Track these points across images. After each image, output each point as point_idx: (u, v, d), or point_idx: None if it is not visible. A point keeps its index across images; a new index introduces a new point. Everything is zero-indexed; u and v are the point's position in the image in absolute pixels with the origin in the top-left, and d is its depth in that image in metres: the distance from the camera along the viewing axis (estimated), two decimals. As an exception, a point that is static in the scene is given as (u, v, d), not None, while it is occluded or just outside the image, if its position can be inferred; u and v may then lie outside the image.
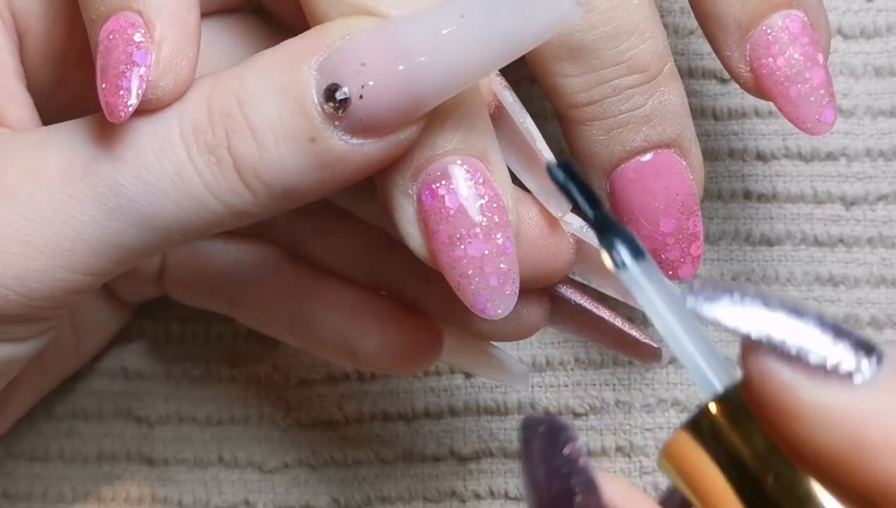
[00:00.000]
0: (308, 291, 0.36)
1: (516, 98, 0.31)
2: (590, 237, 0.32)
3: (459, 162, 0.29)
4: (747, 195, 0.39)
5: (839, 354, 0.23)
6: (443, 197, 0.29)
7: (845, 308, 0.39)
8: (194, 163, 0.28)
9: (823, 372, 0.23)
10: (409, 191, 0.29)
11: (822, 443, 0.23)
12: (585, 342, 0.38)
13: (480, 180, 0.29)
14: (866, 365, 0.23)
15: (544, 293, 0.33)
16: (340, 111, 0.28)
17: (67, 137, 0.30)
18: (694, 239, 0.33)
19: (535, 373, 0.40)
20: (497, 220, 0.29)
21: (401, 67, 0.27)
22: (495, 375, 0.37)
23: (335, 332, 0.36)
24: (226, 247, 0.37)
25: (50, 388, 0.39)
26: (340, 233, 0.36)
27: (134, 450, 0.41)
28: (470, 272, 0.29)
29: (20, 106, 0.32)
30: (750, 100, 0.39)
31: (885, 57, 0.39)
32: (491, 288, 0.29)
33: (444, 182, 0.29)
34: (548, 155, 0.31)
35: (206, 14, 0.34)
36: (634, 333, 0.34)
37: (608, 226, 0.25)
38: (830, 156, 0.39)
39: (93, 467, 0.41)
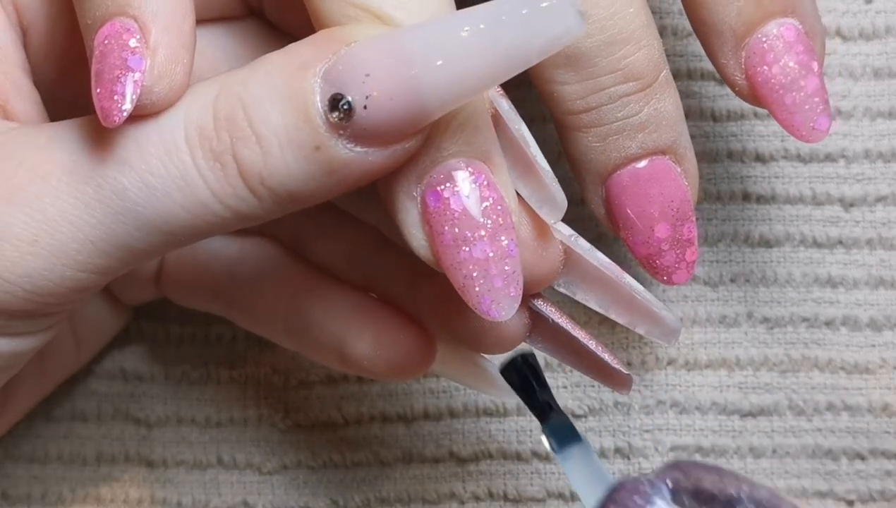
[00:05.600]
0: (306, 291, 0.36)
1: (511, 105, 0.31)
2: (579, 246, 0.32)
3: (464, 164, 0.29)
4: (746, 196, 0.39)
5: None
6: (447, 199, 0.29)
7: (844, 309, 0.39)
8: (199, 169, 0.28)
9: None
10: (414, 194, 0.29)
11: None
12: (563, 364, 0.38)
13: (485, 183, 0.29)
14: None
15: (525, 307, 0.33)
16: (344, 120, 0.27)
17: (75, 138, 0.30)
18: (689, 244, 0.34)
19: (534, 375, 0.40)
20: (501, 222, 0.29)
21: (405, 78, 0.27)
22: (483, 387, 0.37)
23: (330, 334, 0.35)
24: (227, 244, 0.37)
25: (48, 391, 0.39)
26: (339, 233, 0.36)
27: (133, 452, 0.41)
28: (475, 274, 0.29)
29: (27, 100, 0.32)
30: (749, 102, 0.39)
31: (884, 58, 0.39)
32: (496, 289, 0.29)
33: (448, 184, 0.29)
34: (542, 162, 0.31)
35: (207, 20, 0.34)
36: (607, 358, 0.33)
37: (550, 415, 0.29)
38: (829, 158, 0.39)
39: (92, 469, 0.41)
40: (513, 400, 0.37)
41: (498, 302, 0.29)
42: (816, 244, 0.39)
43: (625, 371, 0.33)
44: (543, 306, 0.33)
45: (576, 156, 0.33)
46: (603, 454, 0.39)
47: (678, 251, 0.33)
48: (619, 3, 0.31)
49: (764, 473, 0.39)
